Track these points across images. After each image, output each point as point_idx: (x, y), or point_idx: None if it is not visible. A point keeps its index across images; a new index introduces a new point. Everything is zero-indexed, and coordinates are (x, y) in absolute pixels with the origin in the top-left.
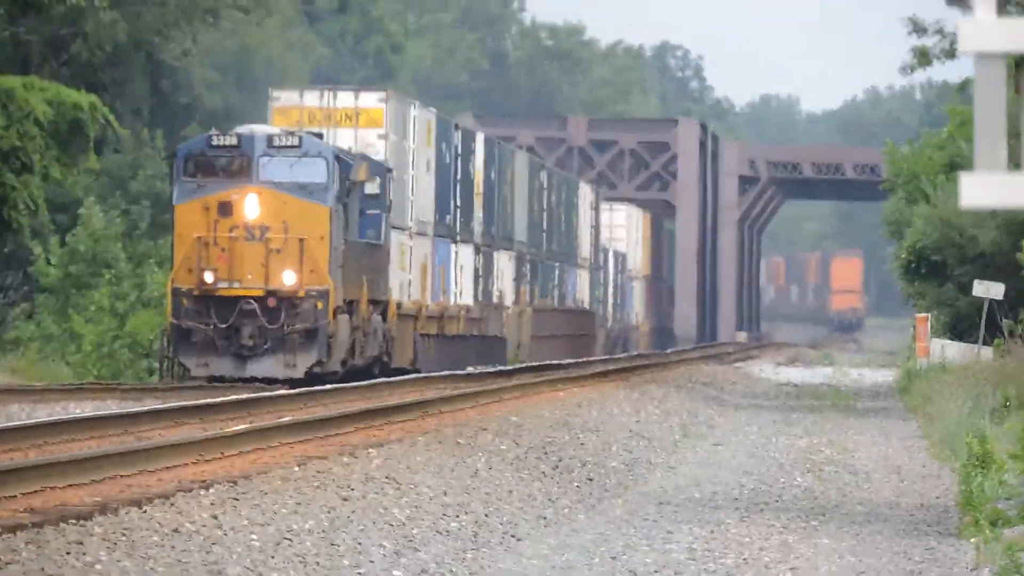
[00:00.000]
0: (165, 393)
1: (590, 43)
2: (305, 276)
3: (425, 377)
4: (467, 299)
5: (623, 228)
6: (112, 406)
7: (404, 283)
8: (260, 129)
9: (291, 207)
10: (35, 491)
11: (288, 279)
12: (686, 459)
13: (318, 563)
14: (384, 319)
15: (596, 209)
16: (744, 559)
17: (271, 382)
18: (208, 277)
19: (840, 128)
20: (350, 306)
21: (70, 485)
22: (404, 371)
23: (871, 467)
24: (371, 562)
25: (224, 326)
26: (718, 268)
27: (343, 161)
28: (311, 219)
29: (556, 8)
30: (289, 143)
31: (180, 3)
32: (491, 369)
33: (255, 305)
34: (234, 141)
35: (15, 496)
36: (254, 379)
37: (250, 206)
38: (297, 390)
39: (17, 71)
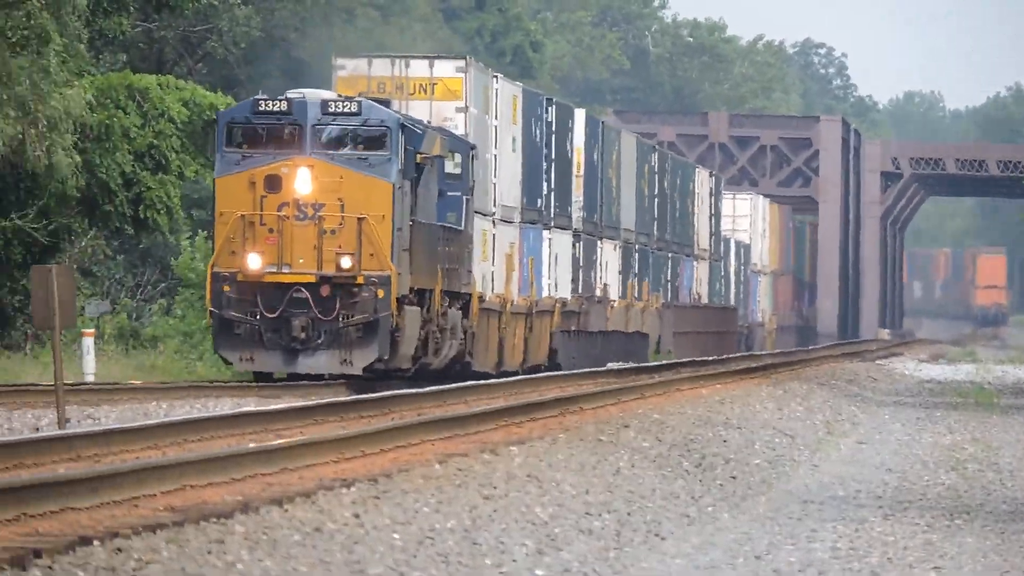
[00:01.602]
0: (305, 390)
1: (731, 40)
2: (364, 260)
3: (566, 374)
4: (564, 292)
5: (747, 218)
6: (251, 403)
7: (487, 274)
8: (313, 93)
9: (348, 182)
10: (175, 489)
11: (344, 264)
12: (829, 457)
13: (460, 562)
14: (465, 314)
15: (715, 196)
16: (888, 558)
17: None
18: (254, 262)
19: (984, 125)
20: (420, 297)
21: (210, 483)
22: (487, 375)
23: (1016, 465)
24: (513, 561)
25: (272, 317)
26: (861, 265)
27: (410, 131)
28: (371, 196)
29: (697, 5)
30: (347, 109)
31: (316, 1)
32: (631, 366)
33: (307, 293)
34: (284, 107)
35: (155, 495)
36: (301, 375)
37: (301, 181)
38: (438, 387)
39: (151, 69)
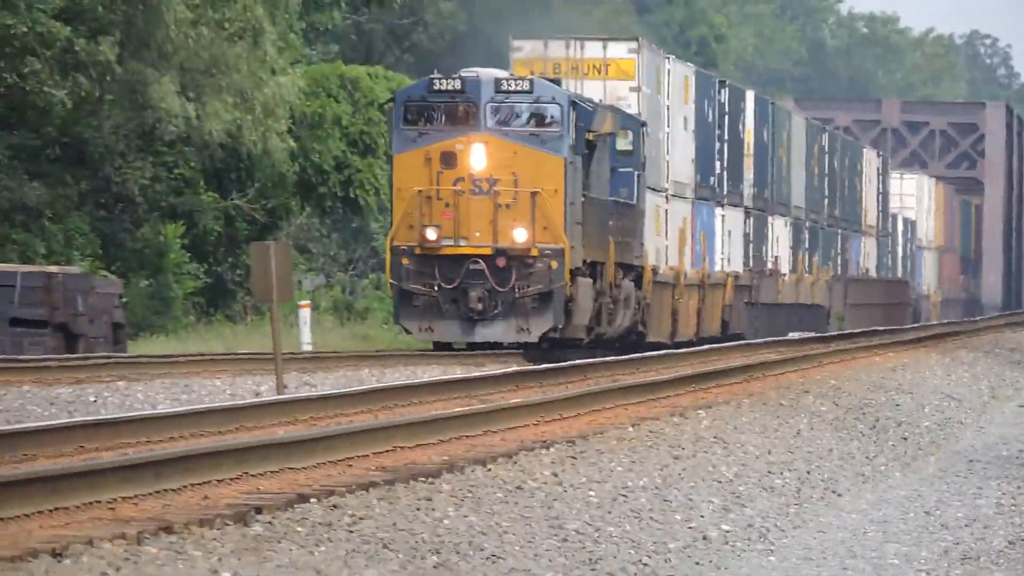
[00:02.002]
0: (505, 358)
1: (904, 32)
2: (537, 233)
3: (749, 343)
4: (736, 266)
5: (913, 197)
6: (456, 370)
7: (661, 248)
8: (487, 72)
9: (521, 157)
10: (386, 451)
11: (519, 236)
12: (994, 419)
13: (651, 518)
14: (638, 286)
15: (883, 175)
16: None
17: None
18: (431, 234)
19: None
20: (593, 269)
21: (418, 445)
22: (662, 345)
23: None
24: (701, 517)
25: (450, 288)
26: (1023, 241)
27: (581, 108)
28: (544, 171)
29: None
30: (519, 88)
31: None
32: (811, 335)
33: (483, 265)
34: (458, 85)
35: (367, 455)
36: (480, 344)
37: (476, 156)
38: (631, 356)
39: (361, 59)
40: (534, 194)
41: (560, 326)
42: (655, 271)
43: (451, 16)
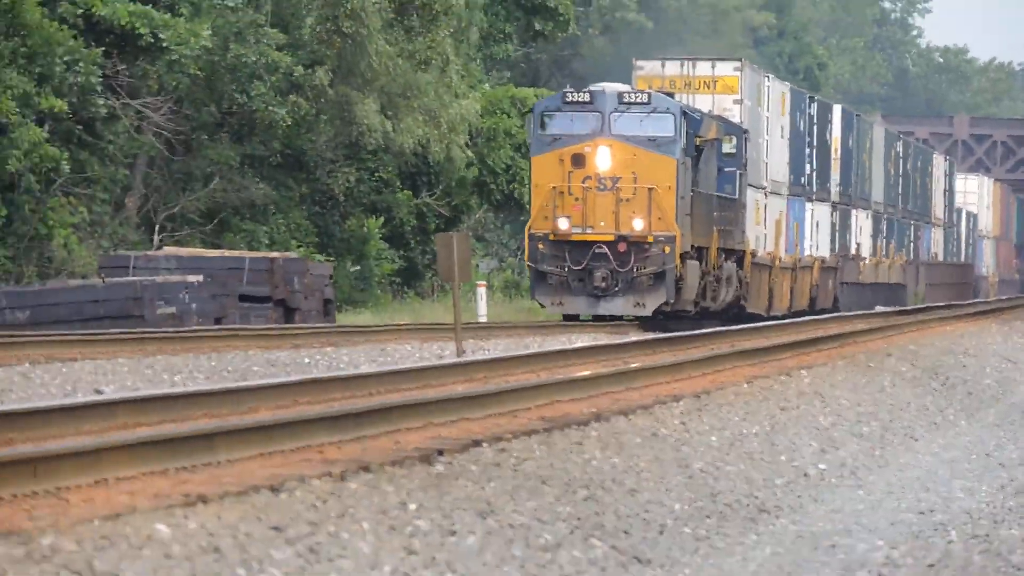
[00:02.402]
0: (626, 328)
1: (971, 61)
2: (653, 223)
3: (843, 316)
4: (823, 252)
5: (975, 195)
6: (603, 339)
7: (760, 236)
8: (611, 87)
9: (640, 159)
10: (545, 404)
11: (637, 225)
12: None
13: (762, 459)
14: (739, 267)
15: (950, 176)
16: None
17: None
18: (563, 224)
19: None
20: (700, 253)
21: (572, 399)
22: (760, 317)
23: None
24: (802, 458)
25: (578, 269)
26: None
27: (691, 117)
28: (659, 170)
29: (946, 33)
30: (639, 100)
31: (653, 32)
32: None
33: (606, 249)
34: (587, 98)
35: (530, 408)
36: (606, 317)
37: (602, 158)
38: (746, 326)
39: (528, 84)
40: (650, 190)
41: (671, 301)
42: (754, 255)
43: (603, 49)
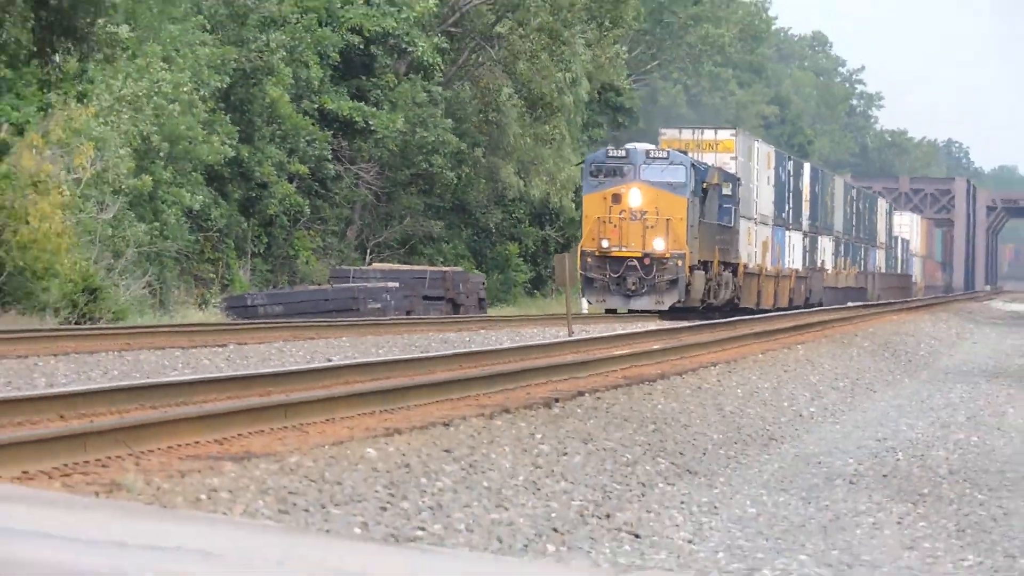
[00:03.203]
0: (651, 317)
1: (910, 139)
2: (670, 244)
3: (824, 308)
4: (798, 265)
5: (908, 227)
6: (652, 326)
7: (751, 253)
8: (641, 146)
9: (661, 198)
10: (628, 368)
11: (658, 246)
12: (959, 350)
13: (772, 404)
14: (735, 275)
15: (889, 214)
16: (987, 402)
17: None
18: (605, 244)
19: None
20: (704, 265)
21: (644, 364)
22: (751, 310)
23: None
24: (798, 403)
25: (615, 276)
26: (974, 252)
27: (698, 168)
28: (674, 206)
29: (896, 118)
30: (660, 155)
31: (697, 120)
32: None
33: (636, 263)
34: (623, 154)
35: (616, 370)
36: (635, 311)
37: (633, 197)
38: (757, 316)
39: None
40: (668, 220)
41: (682, 300)
42: (746, 267)
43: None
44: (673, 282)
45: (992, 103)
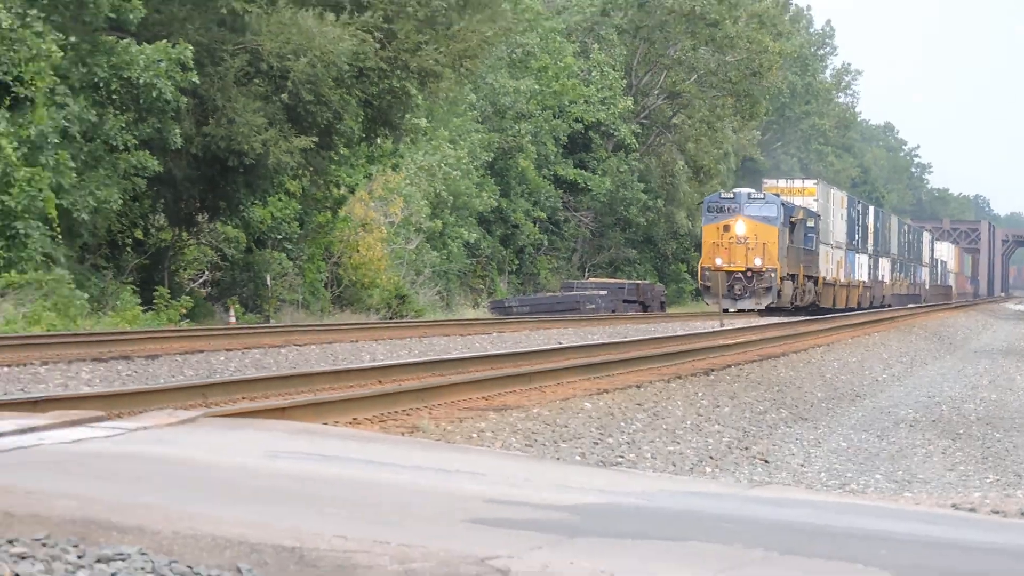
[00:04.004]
0: (752, 314)
1: (952, 194)
2: (765, 261)
3: (891, 308)
4: (864, 277)
5: (946, 252)
6: (760, 321)
7: (829, 268)
8: (744, 189)
9: (759, 227)
10: (760, 348)
11: (756, 262)
12: (983, 336)
13: (857, 372)
14: (815, 285)
15: (932, 243)
16: (1003, 371)
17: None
18: (718, 261)
19: None
20: (792, 277)
21: (772, 346)
22: (829, 310)
23: None
24: (875, 372)
25: (726, 284)
26: (993, 270)
27: (787, 206)
28: (769, 233)
29: (942, 180)
30: (758, 196)
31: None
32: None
33: (741, 275)
34: (732, 195)
35: (753, 350)
36: (741, 310)
37: (739, 227)
38: (841, 313)
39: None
40: (764, 243)
41: (775, 302)
42: (824, 279)
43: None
44: (768, 289)
45: (1009, 167)
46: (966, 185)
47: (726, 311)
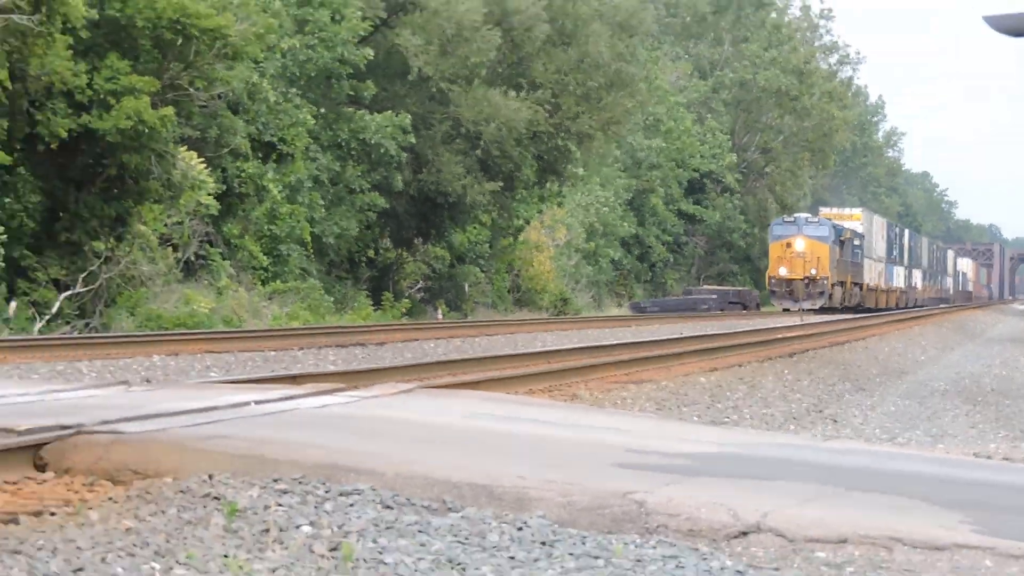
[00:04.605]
0: (810, 313)
1: (972, 224)
2: (819, 271)
3: (924, 307)
4: (900, 284)
5: (966, 265)
6: (830, 317)
7: (871, 277)
8: (802, 215)
9: (814, 244)
10: (830, 337)
11: (812, 272)
12: (997, 328)
13: (903, 355)
14: (860, 290)
15: (955, 259)
16: (1011, 355)
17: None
18: (782, 271)
19: None
20: (842, 284)
21: (839, 336)
22: (872, 309)
23: None
24: (916, 354)
25: (788, 289)
26: (1004, 278)
27: (837, 227)
28: (822, 249)
29: (965, 211)
30: (814, 220)
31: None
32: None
33: (799, 282)
34: (792, 219)
35: (825, 337)
36: (800, 309)
37: (799, 243)
38: (882, 312)
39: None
40: (818, 257)
41: (827, 304)
42: (868, 285)
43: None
44: (821, 293)
45: (1018, 199)
46: (983, 215)
47: (787, 310)
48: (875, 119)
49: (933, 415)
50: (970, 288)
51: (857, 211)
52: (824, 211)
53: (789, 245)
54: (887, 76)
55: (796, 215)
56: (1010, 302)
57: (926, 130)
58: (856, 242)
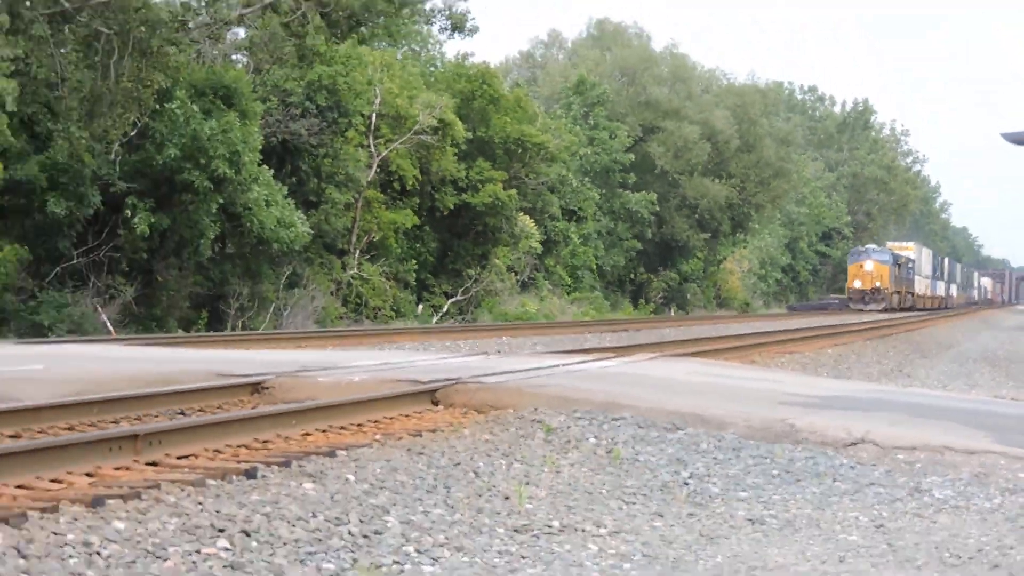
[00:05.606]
0: (875, 313)
1: (992, 257)
2: (883, 284)
3: (956, 308)
4: (941, 293)
5: (987, 282)
6: (890, 316)
7: (920, 289)
8: (872, 246)
9: (879, 266)
10: (902, 327)
11: (877, 285)
12: (1009, 321)
13: (942, 338)
14: (912, 297)
15: (980, 278)
16: (1017, 337)
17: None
18: (857, 284)
19: None
20: (898, 293)
21: (909, 326)
22: (924, 308)
23: None
24: (953, 336)
25: (860, 297)
26: (1013, 291)
27: (895, 255)
28: (885, 269)
29: (989, 250)
30: (879, 249)
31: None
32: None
33: (869, 292)
34: (864, 249)
35: (879, 330)
36: (870, 310)
37: (868, 265)
38: (926, 311)
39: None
40: (881, 274)
41: (888, 307)
42: (917, 294)
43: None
44: (883, 299)
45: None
46: (999, 249)
47: (860, 311)
48: (933, 195)
49: (968, 373)
50: (989, 296)
51: (910, 243)
52: (889, 244)
53: (862, 266)
54: (948, 166)
55: (867, 246)
56: (1014, 306)
57: (968, 195)
58: (909, 264)
